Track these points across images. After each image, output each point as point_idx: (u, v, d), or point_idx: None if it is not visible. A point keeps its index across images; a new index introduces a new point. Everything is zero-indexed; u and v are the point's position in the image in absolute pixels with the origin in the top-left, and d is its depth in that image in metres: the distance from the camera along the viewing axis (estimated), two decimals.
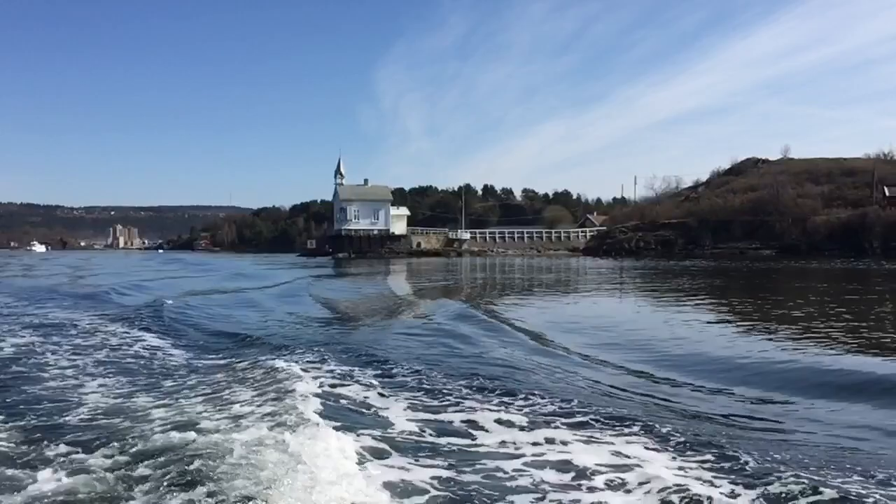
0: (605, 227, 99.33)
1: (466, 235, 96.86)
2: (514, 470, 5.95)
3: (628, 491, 5.47)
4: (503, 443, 6.70)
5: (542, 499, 5.36)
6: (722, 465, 6.03)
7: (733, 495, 5.26)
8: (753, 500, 5.20)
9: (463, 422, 7.50)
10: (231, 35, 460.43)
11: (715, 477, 5.68)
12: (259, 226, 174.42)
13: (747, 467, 5.90)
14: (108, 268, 59.45)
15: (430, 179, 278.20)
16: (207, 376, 10.25)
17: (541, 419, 7.54)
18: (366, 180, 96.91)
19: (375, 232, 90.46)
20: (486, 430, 7.15)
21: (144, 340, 14.21)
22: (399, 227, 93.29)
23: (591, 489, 5.53)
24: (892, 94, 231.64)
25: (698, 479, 5.63)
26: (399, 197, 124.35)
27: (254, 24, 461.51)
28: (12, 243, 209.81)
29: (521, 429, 7.15)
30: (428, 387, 9.36)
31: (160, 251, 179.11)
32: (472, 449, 6.64)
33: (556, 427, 7.18)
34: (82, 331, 15.56)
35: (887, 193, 78.04)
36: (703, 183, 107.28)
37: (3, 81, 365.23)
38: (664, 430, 6.99)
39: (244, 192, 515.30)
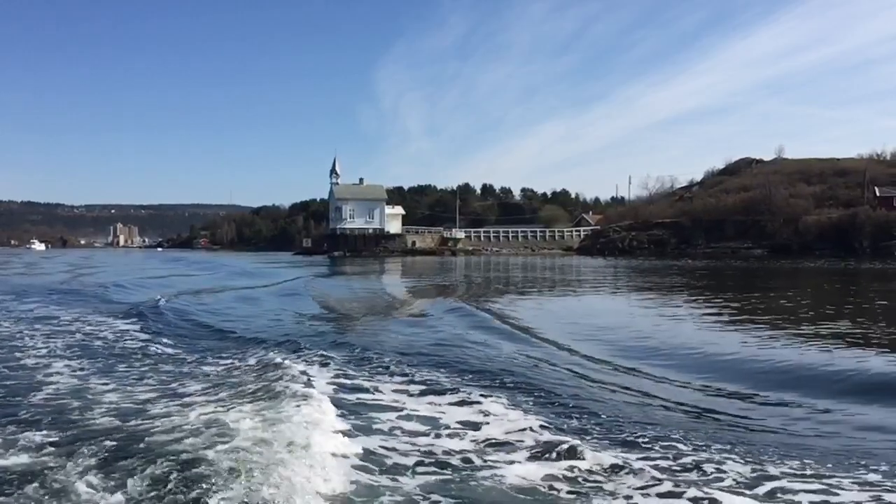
0: (599, 227, 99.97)
1: (461, 234, 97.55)
2: (387, 419, 7.10)
3: (461, 438, 6.59)
4: (394, 401, 7.85)
5: (390, 439, 6.47)
6: (557, 420, 7.16)
7: (545, 441, 6.36)
8: (553, 441, 6.34)
9: (370, 386, 8.66)
10: (231, 34, 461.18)
11: (543, 428, 6.77)
12: (258, 224, 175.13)
13: (574, 423, 7.07)
14: (110, 266, 59.52)
15: (430, 179, 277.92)
16: (182, 365, 11.07)
17: (435, 385, 8.73)
18: (361, 179, 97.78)
19: (370, 231, 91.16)
20: (383, 392, 8.29)
21: (138, 336, 14.56)
22: (394, 226, 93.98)
23: (437, 436, 6.62)
24: (891, 95, 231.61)
25: (528, 429, 6.75)
26: (398, 196, 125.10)
27: (254, 23, 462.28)
28: (13, 241, 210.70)
29: (411, 395, 8.23)
30: (356, 362, 10.59)
31: (159, 249, 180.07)
32: (365, 404, 7.78)
33: (442, 393, 8.31)
34: (76, 326, 15.97)
35: (878, 193, 78.70)
36: (697, 183, 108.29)
37: (3, 80, 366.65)
38: (532, 395, 8.19)
39: (245, 190, 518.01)
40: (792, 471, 5.80)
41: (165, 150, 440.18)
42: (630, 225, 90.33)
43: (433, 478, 5.52)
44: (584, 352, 11.92)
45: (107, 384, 9.18)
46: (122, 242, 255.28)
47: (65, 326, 15.75)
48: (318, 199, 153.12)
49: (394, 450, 6.02)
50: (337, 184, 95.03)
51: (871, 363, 10.66)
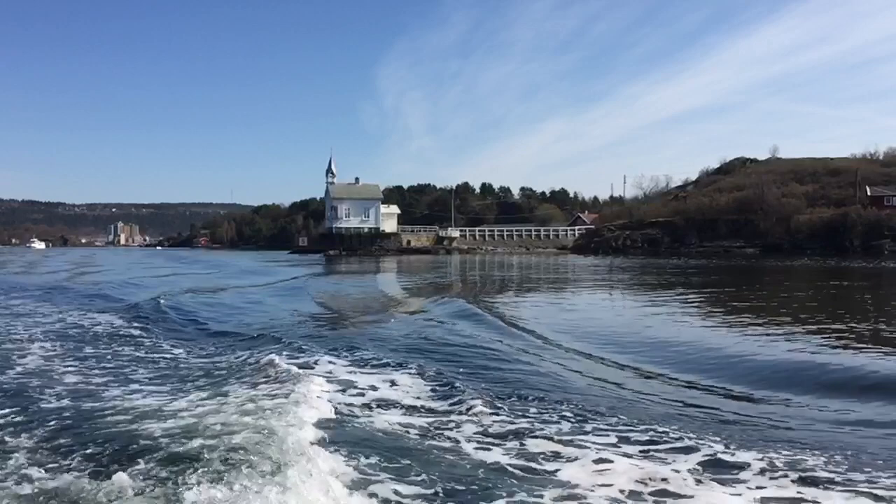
0: (593, 226, 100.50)
1: (456, 233, 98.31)
2: (313, 381, 8.35)
3: (363, 395, 8.06)
4: (327, 372, 9.32)
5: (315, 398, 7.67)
6: (441, 388, 8.48)
7: (423, 402, 7.80)
8: (429, 404, 7.79)
9: (306, 361, 10.09)
10: (234, 32, 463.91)
11: (431, 398, 8.04)
12: (258, 223, 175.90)
13: (456, 392, 8.21)
14: (111, 265, 58.84)
15: (432, 177, 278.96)
16: (139, 350, 11.98)
17: (369, 360, 10.22)
18: (357, 179, 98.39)
19: (366, 230, 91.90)
20: (321, 365, 9.80)
21: (133, 332, 14.63)
22: (389, 225, 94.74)
23: (343, 392, 8.13)
24: (893, 94, 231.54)
25: (419, 394, 8.19)
26: (397, 195, 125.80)
27: (256, 21, 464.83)
28: (14, 240, 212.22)
29: (341, 366, 9.81)
30: (310, 346, 11.82)
31: (158, 248, 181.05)
32: (298, 370, 9.09)
33: (364, 366, 9.78)
34: (73, 322, 16.17)
35: (869, 193, 79.05)
36: (692, 182, 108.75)
37: (4, 78, 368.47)
38: (434, 368, 9.54)
39: (246, 189, 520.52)
40: (604, 426, 6.93)
41: (167, 148, 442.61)
42: (624, 224, 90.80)
43: (322, 417, 6.92)
44: (537, 333, 13.43)
45: (99, 380, 9.63)
46: (123, 241, 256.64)
47: (62, 322, 16.02)
48: (318, 198, 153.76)
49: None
50: (333, 183, 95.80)
51: (763, 350, 11.74)
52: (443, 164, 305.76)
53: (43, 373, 9.47)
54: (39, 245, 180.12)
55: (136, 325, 14.82)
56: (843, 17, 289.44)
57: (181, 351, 11.66)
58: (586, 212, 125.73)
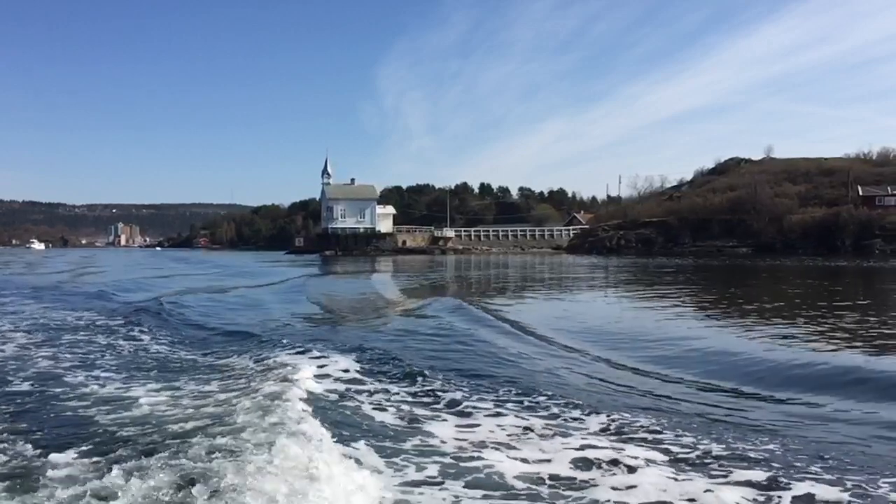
0: (588, 226, 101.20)
1: (451, 234, 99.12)
2: (270, 370, 9.22)
3: (309, 371, 8.97)
4: (285, 363, 9.94)
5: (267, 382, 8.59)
6: (379, 365, 9.58)
7: (353, 377, 8.94)
8: (359, 377, 8.91)
9: (270, 354, 10.75)
10: (234, 32, 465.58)
11: (364, 373, 9.14)
12: (258, 224, 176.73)
13: (389, 369, 9.31)
14: (111, 266, 58.82)
15: (432, 177, 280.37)
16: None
17: (331, 348, 11.09)
18: (352, 179, 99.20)
19: (362, 230, 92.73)
20: (279, 356, 10.48)
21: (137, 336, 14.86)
22: (385, 226, 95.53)
23: (294, 371, 8.89)
24: (893, 94, 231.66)
25: (351, 373, 9.22)
26: (396, 195, 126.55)
27: (256, 21, 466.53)
28: (14, 241, 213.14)
29: (288, 353, 10.66)
30: (274, 339, 12.61)
31: (158, 249, 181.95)
32: (259, 362, 10.08)
33: (308, 353, 10.68)
34: (71, 326, 16.18)
35: (861, 193, 79.57)
36: (686, 182, 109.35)
37: (4, 78, 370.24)
38: (369, 354, 10.52)
39: (246, 189, 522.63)
40: (495, 396, 7.83)
41: (167, 148, 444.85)
42: (619, 224, 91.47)
43: (265, 392, 7.69)
44: (504, 317, 15.24)
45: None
46: (123, 242, 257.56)
47: (56, 321, 16.11)
48: (317, 199, 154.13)
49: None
50: (328, 184, 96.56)
51: (680, 334, 12.87)
52: (442, 164, 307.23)
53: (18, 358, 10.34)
54: (39, 246, 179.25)
55: (133, 323, 15.26)
56: (843, 17, 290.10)
57: (171, 348, 12.10)
58: (582, 212, 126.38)
